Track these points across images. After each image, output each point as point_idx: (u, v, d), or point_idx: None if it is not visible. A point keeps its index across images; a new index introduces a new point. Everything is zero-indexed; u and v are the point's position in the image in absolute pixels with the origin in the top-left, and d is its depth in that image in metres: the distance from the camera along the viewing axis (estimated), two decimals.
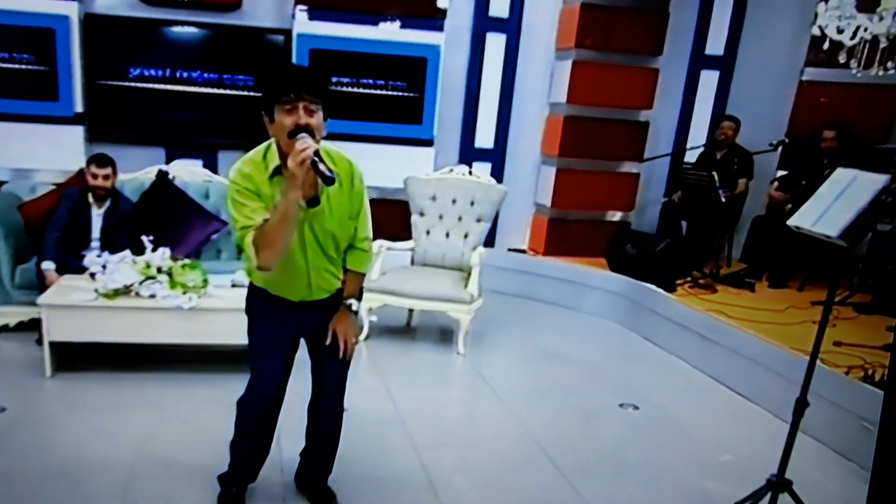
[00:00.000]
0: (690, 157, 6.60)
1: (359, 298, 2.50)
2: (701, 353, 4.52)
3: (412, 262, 5.12)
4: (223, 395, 3.06)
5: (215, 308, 3.90)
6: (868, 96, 6.10)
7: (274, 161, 2.16)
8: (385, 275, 4.75)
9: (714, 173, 5.57)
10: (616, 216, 6.56)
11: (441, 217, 5.13)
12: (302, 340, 2.54)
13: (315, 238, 2.28)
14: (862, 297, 4.98)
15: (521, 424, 3.67)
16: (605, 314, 5.58)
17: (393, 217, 5.39)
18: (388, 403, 3.72)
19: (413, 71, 5.85)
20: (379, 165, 5.50)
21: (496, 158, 6.60)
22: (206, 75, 5.59)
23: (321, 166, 2.05)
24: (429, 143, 6.15)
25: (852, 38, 4.75)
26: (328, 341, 2.42)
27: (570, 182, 6.41)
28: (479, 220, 5.08)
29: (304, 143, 2.03)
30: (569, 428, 3.68)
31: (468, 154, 6.58)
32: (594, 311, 5.69)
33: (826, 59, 6.19)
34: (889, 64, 4.82)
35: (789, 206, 5.65)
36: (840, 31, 4.62)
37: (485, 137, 6.62)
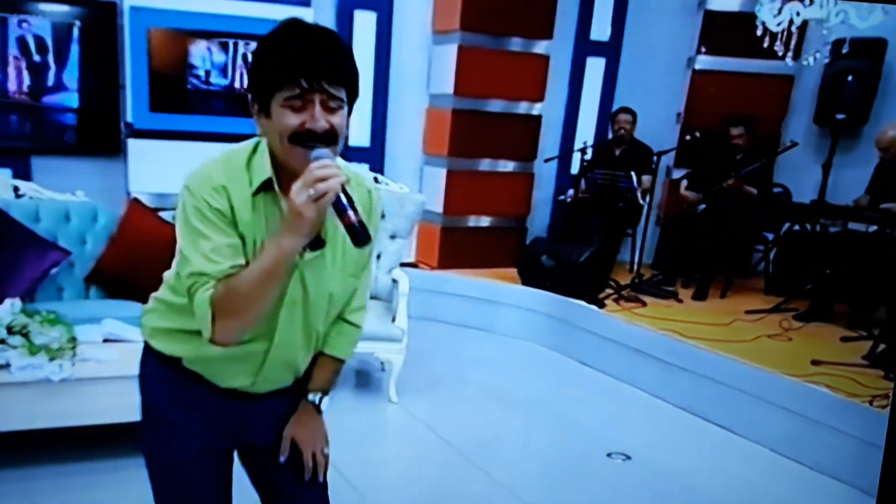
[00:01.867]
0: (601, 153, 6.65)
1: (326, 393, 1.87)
2: (662, 381, 4.51)
3: None
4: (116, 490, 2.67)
5: (95, 377, 3.26)
6: (762, 87, 6.48)
7: (263, 170, 1.57)
8: None
9: (633, 172, 5.63)
10: (513, 221, 6.49)
11: None
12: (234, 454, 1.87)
13: (304, 299, 1.66)
14: (799, 304, 5.27)
15: (498, 483, 3.45)
16: (525, 335, 5.45)
17: None
18: (332, 473, 3.29)
19: None
20: None
21: (374, 159, 6.25)
22: None
23: (351, 214, 1.47)
24: None
25: (781, 23, 4.98)
26: (283, 457, 1.79)
27: (463, 185, 6.22)
28: (393, 237, 4.73)
29: (325, 167, 1.44)
30: (556, 483, 3.54)
31: (341, 154, 6.17)
32: (511, 333, 5.55)
33: (720, 46, 6.53)
34: (818, 54, 5.12)
35: (702, 206, 5.87)
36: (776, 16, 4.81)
37: (359, 134, 6.24)
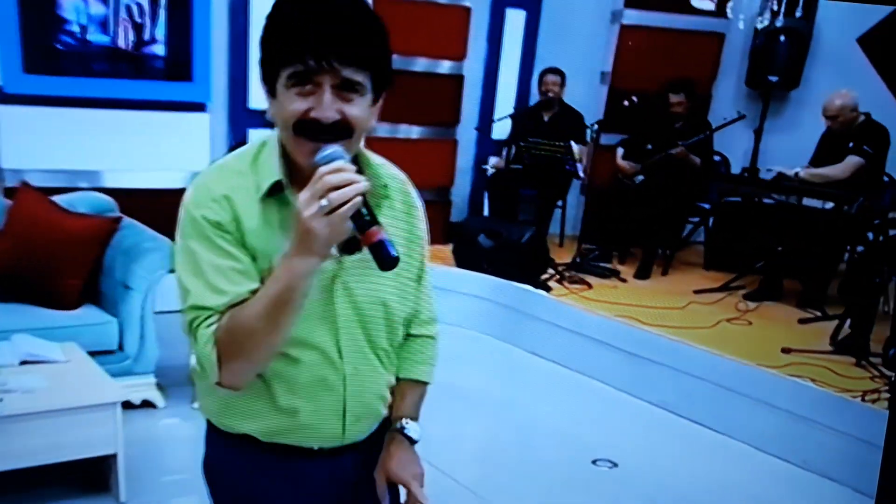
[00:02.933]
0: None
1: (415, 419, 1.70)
2: (630, 375, 4.53)
3: None
4: None
5: (27, 412, 2.92)
6: (691, 45, 6.58)
7: (271, 170, 1.42)
8: None
9: (571, 143, 5.60)
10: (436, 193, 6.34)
11: None
12: None
13: (355, 313, 1.49)
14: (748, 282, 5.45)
15: (469, 490, 3.41)
16: (468, 323, 5.35)
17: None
18: None
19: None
20: (128, 145, 4.86)
21: None
22: None
23: (376, 230, 1.30)
24: (201, 107, 5.30)
25: None
26: (386, 502, 1.63)
27: (386, 154, 5.97)
28: None
29: (339, 172, 1.27)
30: (545, 497, 3.49)
31: (240, 119, 5.81)
32: (451, 321, 5.37)
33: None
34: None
35: (640, 177, 5.93)
36: None
37: (261, 96, 5.85)
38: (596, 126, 5.77)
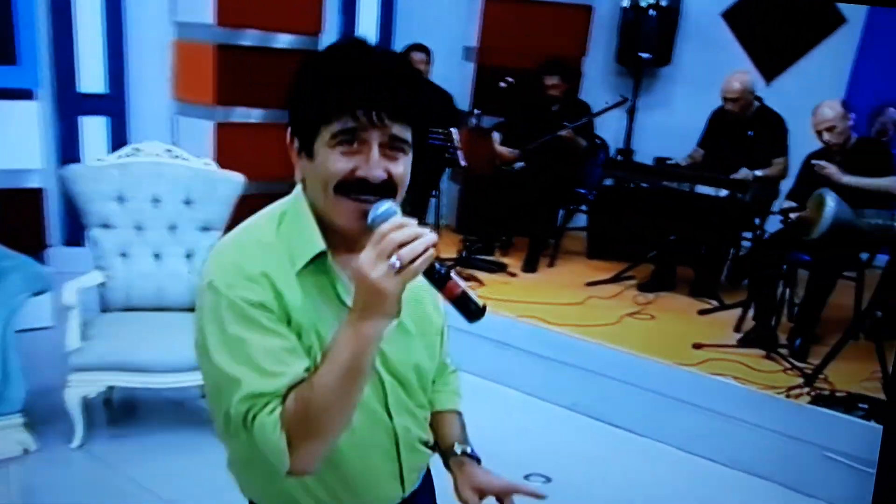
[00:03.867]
0: None
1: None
2: (543, 379, 4.56)
3: (104, 307, 4.11)
4: None
5: None
6: (559, 19, 6.67)
7: (307, 239, 1.44)
8: (91, 337, 3.76)
9: (452, 129, 5.57)
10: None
11: (140, 228, 4.18)
12: None
13: (394, 379, 1.56)
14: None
15: None
16: None
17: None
18: None
19: None
20: None
21: (115, 109, 5.56)
22: None
23: (458, 282, 1.34)
24: (28, 94, 4.87)
25: None
26: None
27: (237, 142, 5.70)
28: (206, 229, 4.28)
29: (404, 228, 1.29)
30: None
31: (70, 106, 5.42)
32: None
33: None
34: None
35: (520, 164, 5.97)
36: None
37: (92, 77, 5.49)
38: (478, 112, 5.77)
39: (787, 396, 4.01)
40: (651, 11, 6.55)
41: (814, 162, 4.60)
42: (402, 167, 1.39)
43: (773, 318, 4.64)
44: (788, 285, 4.70)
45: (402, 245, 1.25)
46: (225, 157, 5.56)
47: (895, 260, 4.83)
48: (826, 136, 4.57)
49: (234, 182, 4.34)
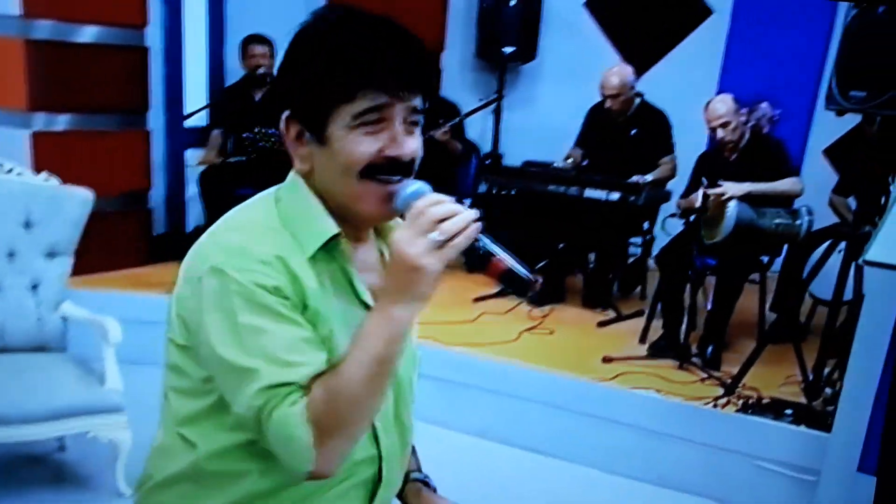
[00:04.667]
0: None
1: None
2: (448, 405, 4.68)
3: None
4: None
5: None
6: (411, 9, 6.84)
7: (320, 224, 1.47)
8: None
9: None
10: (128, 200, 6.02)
11: None
12: None
13: (396, 388, 1.62)
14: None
15: None
16: None
17: None
18: None
19: None
20: None
21: None
22: None
23: (504, 257, 1.40)
24: None
25: None
26: None
27: (57, 153, 5.51)
28: (52, 255, 4.19)
29: (441, 203, 1.35)
30: None
31: None
32: None
33: None
34: None
35: None
36: None
37: None
38: None
39: (713, 406, 4.34)
40: (511, 1, 6.82)
41: (708, 192, 4.86)
42: (419, 141, 1.47)
43: (681, 327, 4.99)
44: (694, 292, 5.07)
45: (441, 220, 1.32)
46: (43, 170, 5.46)
47: (792, 261, 5.34)
48: (720, 132, 4.94)
49: (82, 199, 4.24)
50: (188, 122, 6.43)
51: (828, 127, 6.45)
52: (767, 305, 5.31)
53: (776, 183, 4.92)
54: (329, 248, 1.47)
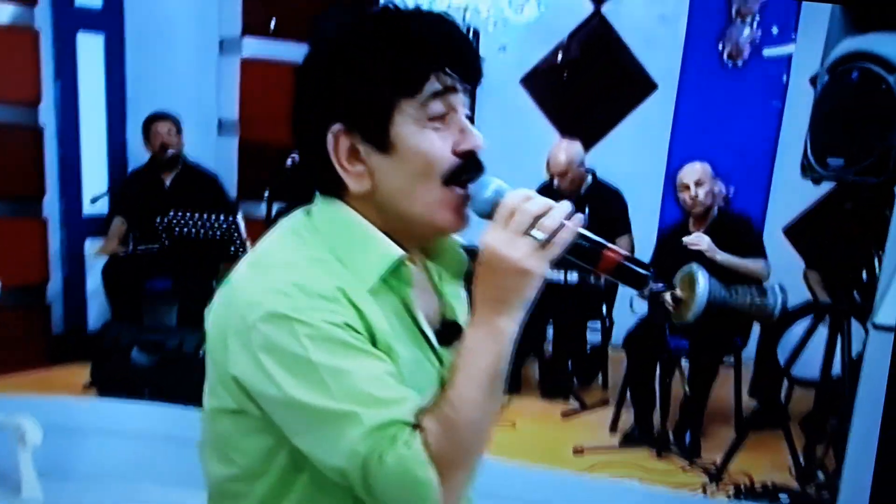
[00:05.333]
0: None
1: None
2: None
3: None
4: None
5: None
6: None
7: (379, 248, 1.46)
8: None
9: (238, 218, 5.74)
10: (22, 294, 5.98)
11: None
12: None
13: None
14: None
15: None
16: (127, 474, 5.14)
17: None
18: None
19: None
20: None
21: None
22: None
23: (615, 248, 1.41)
24: None
25: None
26: None
27: None
28: None
29: (533, 198, 1.38)
30: None
31: None
32: (102, 471, 5.17)
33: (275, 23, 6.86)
34: None
35: None
36: None
37: None
38: (267, 194, 5.99)
39: (703, 493, 4.52)
40: None
41: (685, 239, 5.13)
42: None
43: (653, 414, 5.19)
44: (665, 376, 5.27)
45: (538, 217, 1.34)
46: None
47: (767, 342, 5.60)
48: (694, 190, 5.21)
49: None
50: (88, 210, 6.40)
51: (784, 204, 6.86)
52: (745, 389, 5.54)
53: (747, 260, 5.16)
54: (394, 279, 1.46)
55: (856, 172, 4.09)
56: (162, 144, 6.21)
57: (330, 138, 1.43)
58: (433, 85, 1.39)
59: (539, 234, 1.33)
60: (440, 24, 1.42)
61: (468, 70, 1.44)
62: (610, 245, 1.40)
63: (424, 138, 1.41)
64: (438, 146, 1.41)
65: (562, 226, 1.34)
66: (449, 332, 1.56)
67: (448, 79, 1.40)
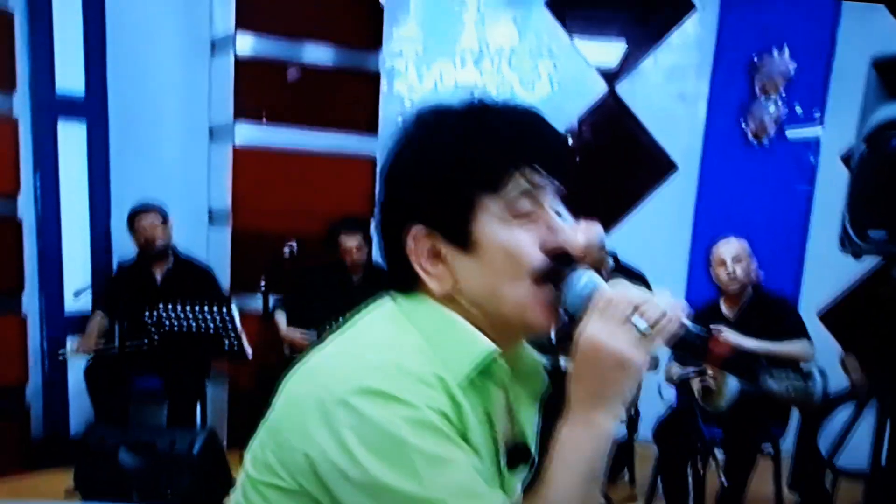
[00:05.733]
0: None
1: None
2: None
3: None
4: None
5: None
6: (335, 171, 7.07)
7: (473, 344, 1.44)
8: None
9: (232, 310, 5.74)
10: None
11: None
12: None
13: None
14: None
15: None
16: None
17: None
18: None
19: None
20: None
21: None
22: None
23: (723, 339, 1.39)
24: None
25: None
26: None
27: None
28: None
29: (630, 288, 1.39)
30: None
31: None
32: None
33: (267, 109, 6.95)
34: None
35: None
36: None
37: None
38: (263, 286, 6.02)
39: None
40: None
41: (711, 327, 5.17)
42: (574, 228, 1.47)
43: None
44: (700, 466, 5.21)
45: (638, 306, 1.34)
46: None
47: (807, 430, 5.57)
48: (731, 267, 5.22)
49: None
50: (70, 306, 6.42)
51: (819, 284, 6.87)
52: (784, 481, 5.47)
53: (785, 344, 5.11)
54: (486, 371, 1.44)
55: None
56: (147, 239, 6.21)
57: (409, 241, 1.44)
58: (518, 181, 1.40)
59: (641, 322, 1.33)
60: (526, 118, 1.44)
61: (557, 166, 1.44)
62: (717, 335, 1.38)
63: (511, 236, 1.41)
64: (526, 244, 1.41)
65: (664, 314, 1.34)
66: (518, 455, 1.56)
67: (536, 175, 1.41)
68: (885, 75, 4.34)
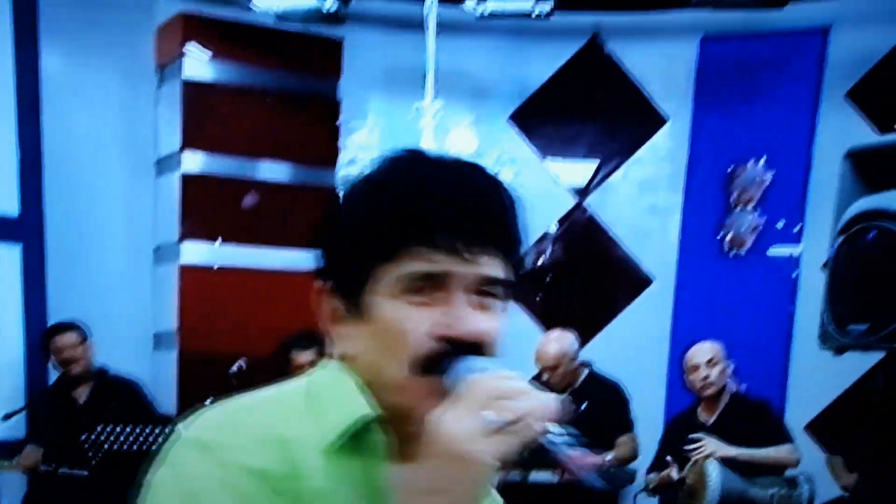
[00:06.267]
0: None
1: None
2: None
3: None
4: None
5: None
6: (264, 285, 7.20)
7: (352, 406, 1.38)
8: None
9: (179, 426, 5.83)
10: None
11: None
12: None
13: None
14: None
15: None
16: None
17: None
18: None
19: None
20: None
21: None
22: None
23: (581, 456, 1.23)
24: None
25: None
26: None
27: None
28: None
29: (505, 379, 1.26)
30: None
31: None
32: None
33: (221, 228, 7.08)
34: None
35: None
36: None
37: None
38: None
39: None
40: None
41: (691, 437, 5.21)
42: (495, 321, 1.35)
43: None
44: None
45: (502, 398, 1.22)
46: None
47: None
48: (705, 371, 5.35)
49: None
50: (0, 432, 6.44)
51: (804, 392, 7.01)
52: None
53: (769, 450, 5.22)
54: (360, 437, 1.37)
55: (881, 338, 4.16)
56: (65, 360, 6.25)
57: (315, 297, 1.42)
58: (411, 261, 1.31)
59: (491, 415, 1.19)
60: (446, 185, 1.33)
61: (480, 243, 1.31)
62: (581, 456, 1.22)
63: (396, 314, 1.33)
64: (412, 325, 1.31)
65: (525, 415, 1.20)
66: None
67: (437, 253, 1.30)
68: (859, 167, 4.53)
